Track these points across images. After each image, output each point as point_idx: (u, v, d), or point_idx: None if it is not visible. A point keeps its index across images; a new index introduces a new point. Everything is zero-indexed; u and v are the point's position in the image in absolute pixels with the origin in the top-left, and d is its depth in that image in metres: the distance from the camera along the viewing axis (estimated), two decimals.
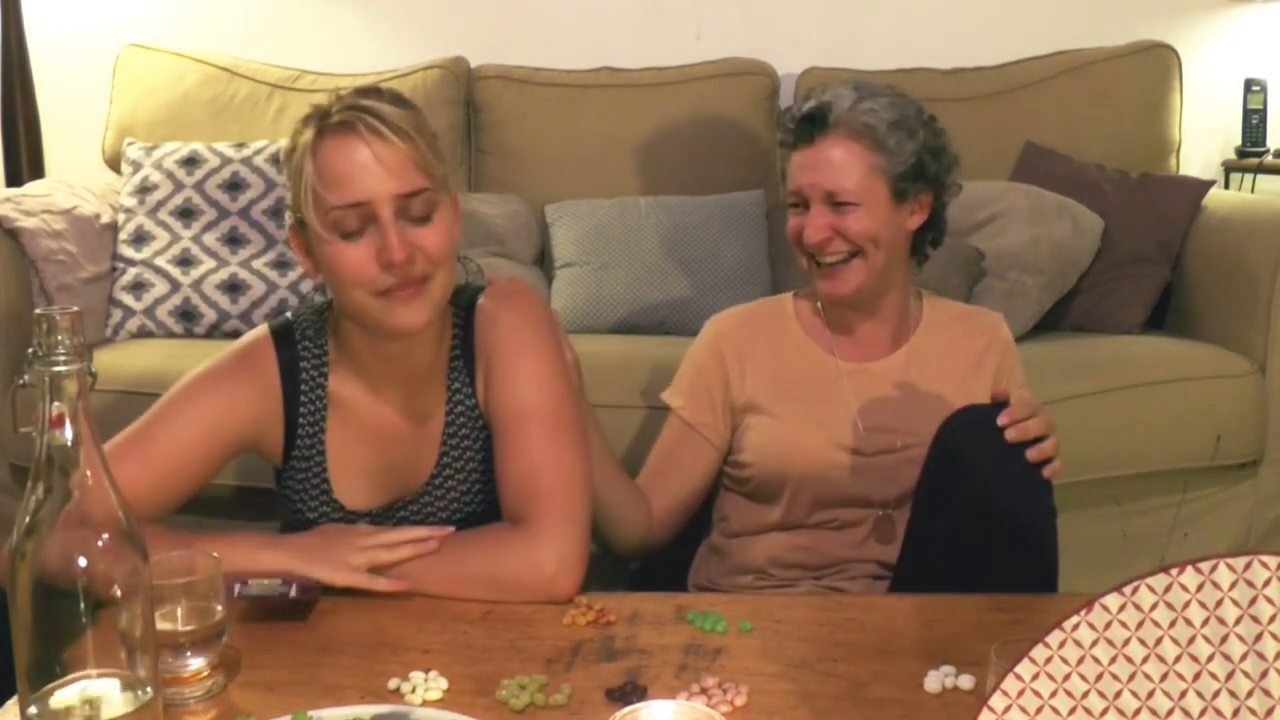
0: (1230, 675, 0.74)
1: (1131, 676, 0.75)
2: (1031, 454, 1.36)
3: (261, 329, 1.39)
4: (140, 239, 2.54)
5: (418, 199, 1.24)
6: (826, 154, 1.55)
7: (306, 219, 1.26)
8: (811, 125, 1.56)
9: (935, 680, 1.06)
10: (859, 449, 1.59)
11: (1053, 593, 1.41)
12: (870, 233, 1.55)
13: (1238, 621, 0.74)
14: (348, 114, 1.23)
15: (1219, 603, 0.74)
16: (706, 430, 1.67)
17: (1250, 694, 0.73)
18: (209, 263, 2.51)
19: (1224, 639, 0.74)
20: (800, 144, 1.58)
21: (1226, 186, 3.06)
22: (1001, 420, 1.37)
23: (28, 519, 0.86)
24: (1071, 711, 0.75)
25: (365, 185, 1.21)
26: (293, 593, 1.16)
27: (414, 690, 1.04)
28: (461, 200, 2.59)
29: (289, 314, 1.40)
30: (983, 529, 1.36)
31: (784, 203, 1.69)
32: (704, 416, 1.67)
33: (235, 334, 2.43)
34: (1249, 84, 3.01)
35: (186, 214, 2.56)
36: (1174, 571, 0.75)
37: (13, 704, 0.90)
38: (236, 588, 1.16)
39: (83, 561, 0.86)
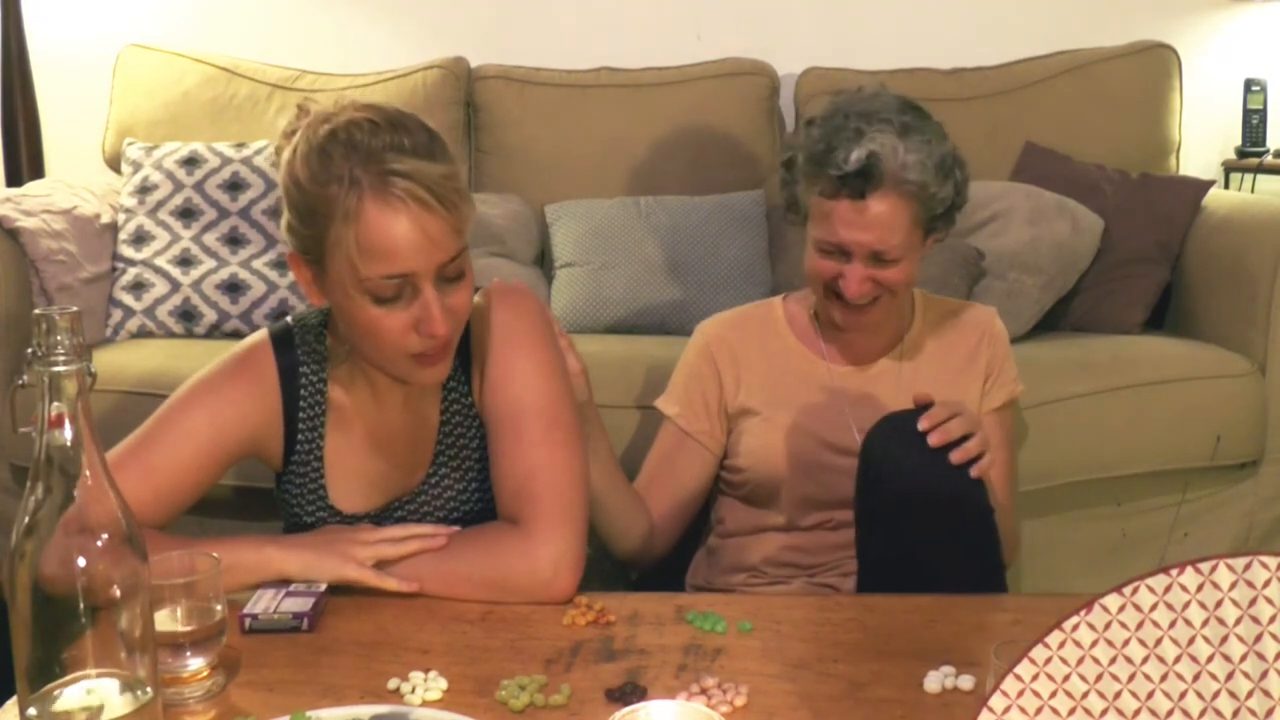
0: (1230, 676, 0.74)
1: (1131, 677, 0.75)
2: (955, 456, 1.35)
3: (261, 334, 1.37)
4: (140, 239, 2.54)
5: (455, 261, 1.20)
6: (874, 213, 1.49)
7: (332, 272, 1.20)
8: (864, 181, 1.48)
9: (935, 680, 1.06)
10: (852, 450, 1.59)
11: (1001, 591, 1.41)
12: (905, 279, 1.55)
13: (1237, 622, 0.74)
14: (391, 181, 1.15)
15: (1219, 603, 0.74)
16: (702, 437, 1.66)
17: (1250, 695, 0.73)
18: (209, 263, 2.51)
19: (1224, 640, 0.74)
20: (844, 196, 1.50)
21: (1226, 186, 3.05)
22: (922, 425, 1.36)
23: (27, 519, 0.86)
24: (1071, 712, 0.75)
25: (410, 260, 1.16)
26: (304, 625, 1.17)
27: (414, 690, 1.04)
28: None
29: (289, 318, 1.40)
30: (916, 535, 1.37)
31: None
32: (699, 423, 1.67)
33: (235, 334, 2.44)
34: (1249, 84, 3.01)
35: (186, 214, 2.56)
36: (1174, 572, 0.75)
37: (12, 704, 0.90)
38: (247, 620, 1.16)
39: (82, 561, 0.86)
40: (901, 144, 1.50)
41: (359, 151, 1.16)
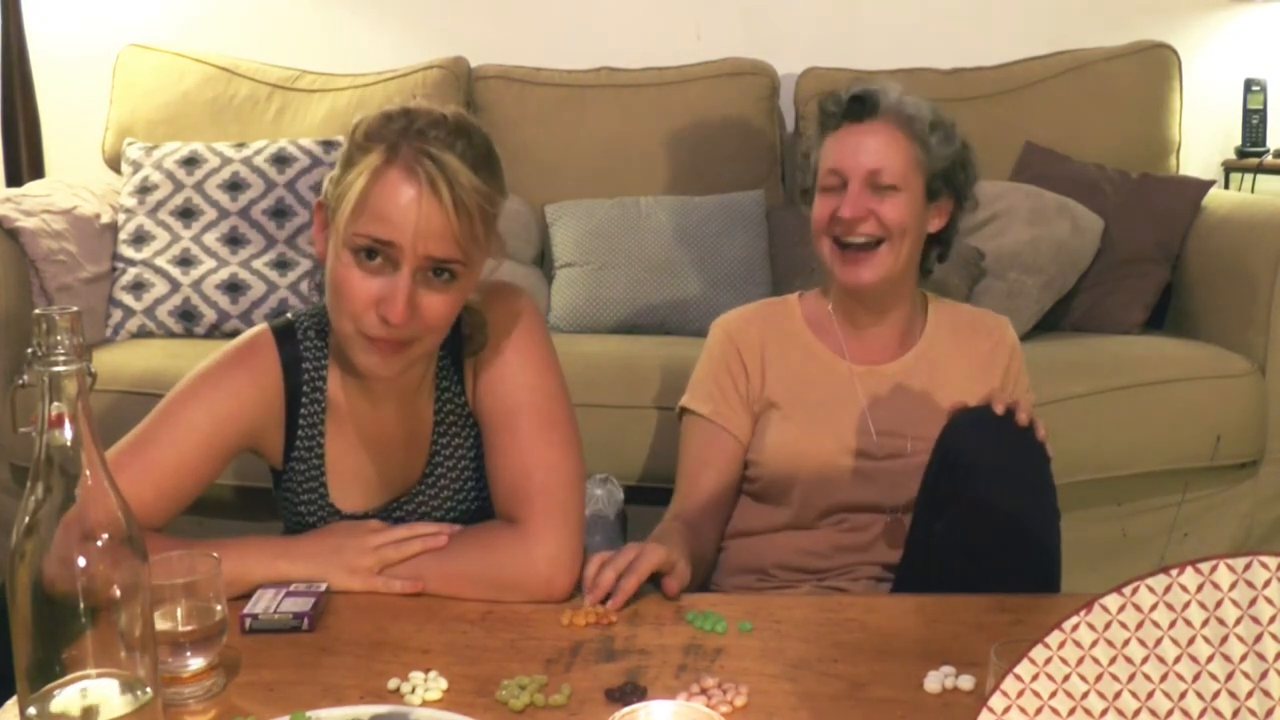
0: (1230, 676, 0.73)
1: (1131, 677, 0.75)
2: (1021, 417, 1.38)
3: (261, 327, 1.37)
4: (140, 239, 2.54)
5: (444, 266, 1.21)
6: (873, 136, 1.57)
7: (335, 219, 1.22)
8: (861, 105, 1.57)
9: (935, 680, 1.06)
10: (869, 453, 1.59)
11: (1055, 589, 1.42)
12: (903, 221, 1.56)
13: (1237, 622, 0.74)
14: (424, 161, 1.17)
15: (1219, 603, 0.74)
16: (737, 431, 1.64)
17: (1250, 695, 0.73)
18: (209, 263, 2.51)
19: (1224, 640, 0.74)
20: (847, 122, 1.58)
21: (1226, 186, 3.06)
22: (999, 409, 1.38)
23: (27, 519, 0.86)
24: (1071, 712, 0.75)
25: (397, 232, 1.18)
26: (305, 625, 1.17)
27: (414, 690, 1.04)
28: None
29: (289, 314, 1.39)
30: (984, 531, 1.36)
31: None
32: (733, 419, 1.64)
33: (235, 334, 2.41)
34: (1249, 84, 3.01)
35: (186, 214, 2.56)
36: (1174, 572, 0.75)
37: (12, 704, 0.90)
38: (247, 621, 1.16)
39: (82, 561, 0.86)
40: (902, 91, 1.61)
41: (414, 129, 1.20)
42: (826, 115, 1.62)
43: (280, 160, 2.59)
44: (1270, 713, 0.72)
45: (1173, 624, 0.75)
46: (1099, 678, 0.75)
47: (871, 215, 1.56)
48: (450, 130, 1.21)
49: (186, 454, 1.28)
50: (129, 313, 2.48)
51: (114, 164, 2.79)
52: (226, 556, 1.12)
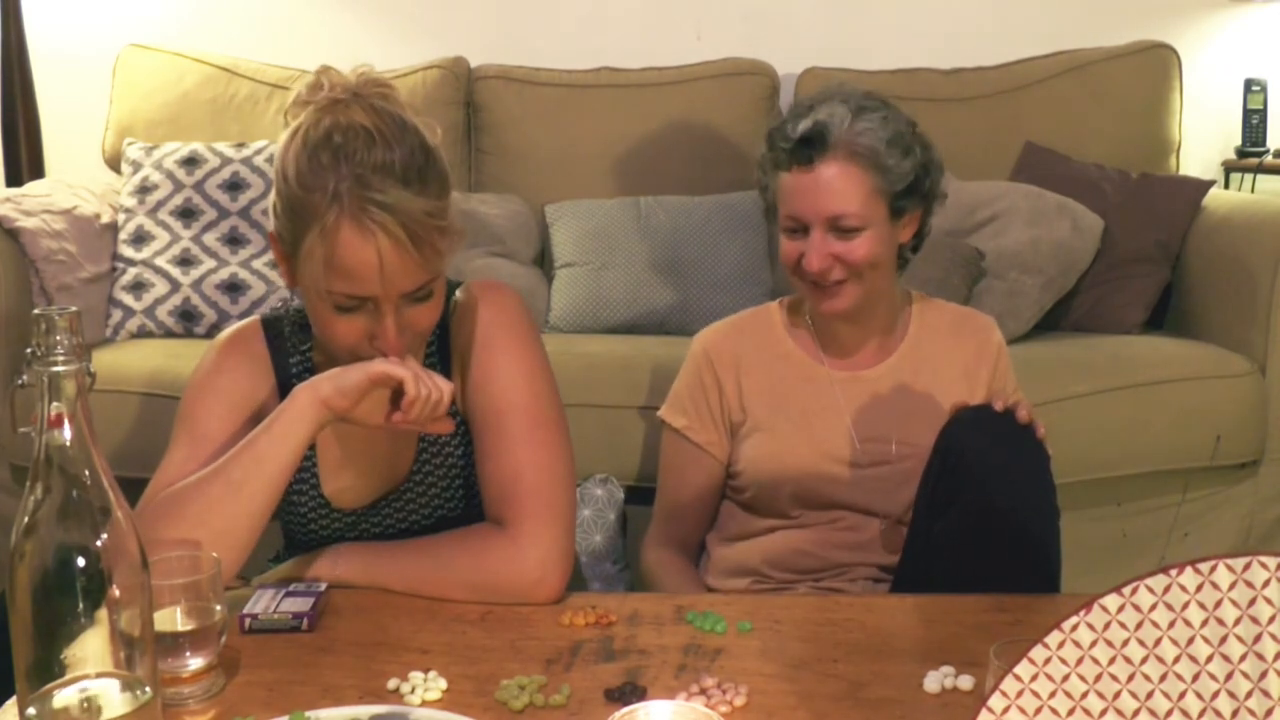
0: (1229, 676, 0.74)
1: (1130, 677, 0.75)
2: (1021, 415, 1.38)
3: (252, 318, 1.39)
4: (140, 239, 2.54)
5: (422, 288, 1.20)
6: (827, 178, 1.50)
7: (301, 271, 1.20)
8: (809, 147, 1.50)
9: (934, 681, 1.06)
10: (854, 460, 1.58)
11: (1055, 588, 1.42)
12: (872, 257, 1.52)
13: (1237, 622, 0.74)
14: (370, 210, 1.13)
15: (1218, 603, 0.74)
16: (711, 448, 1.65)
17: (1249, 695, 0.73)
18: (209, 263, 2.52)
19: (1223, 640, 0.74)
20: (796, 166, 1.51)
21: (1226, 186, 3.06)
22: (998, 406, 1.37)
23: (27, 519, 0.86)
24: (1070, 712, 0.75)
25: (372, 286, 1.16)
26: (304, 625, 1.17)
27: (413, 691, 1.04)
28: (461, 200, 2.60)
29: (280, 310, 1.40)
30: (984, 531, 1.36)
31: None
32: (707, 435, 1.65)
33: None
34: (1249, 84, 3.01)
35: (186, 214, 2.56)
36: (1173, 572, 0.75)
37: (12, 704, 0.90)
38: (247, 621, 1.16)
39: (82, 561, 0.86)
40: (851, 116, 1.51)
41: (348, 163, 1.15)
42: (777, 152, 1.54)
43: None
44: (1269, 713, 0.72)
45: (1172, 624, 0.75)
46: (1098, 678, 0.75)
47: (837, 262, 1.51)
48: (382, 145, 1.16)
49: (221, 444, 1.28)
50: (129, 313, 2.48)
51: (114, 164, 2.80)
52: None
